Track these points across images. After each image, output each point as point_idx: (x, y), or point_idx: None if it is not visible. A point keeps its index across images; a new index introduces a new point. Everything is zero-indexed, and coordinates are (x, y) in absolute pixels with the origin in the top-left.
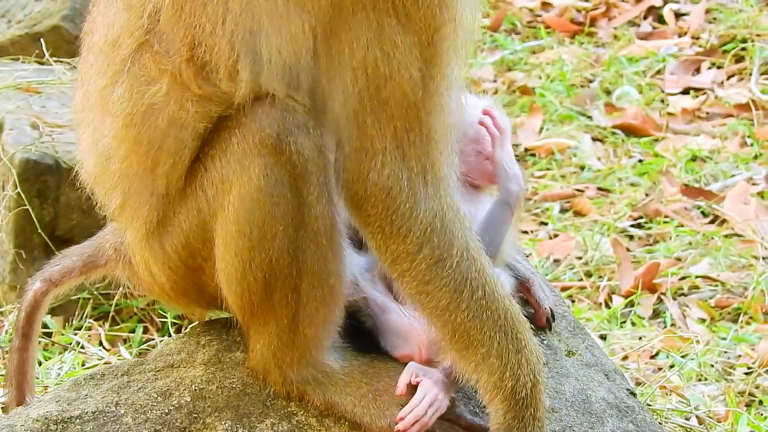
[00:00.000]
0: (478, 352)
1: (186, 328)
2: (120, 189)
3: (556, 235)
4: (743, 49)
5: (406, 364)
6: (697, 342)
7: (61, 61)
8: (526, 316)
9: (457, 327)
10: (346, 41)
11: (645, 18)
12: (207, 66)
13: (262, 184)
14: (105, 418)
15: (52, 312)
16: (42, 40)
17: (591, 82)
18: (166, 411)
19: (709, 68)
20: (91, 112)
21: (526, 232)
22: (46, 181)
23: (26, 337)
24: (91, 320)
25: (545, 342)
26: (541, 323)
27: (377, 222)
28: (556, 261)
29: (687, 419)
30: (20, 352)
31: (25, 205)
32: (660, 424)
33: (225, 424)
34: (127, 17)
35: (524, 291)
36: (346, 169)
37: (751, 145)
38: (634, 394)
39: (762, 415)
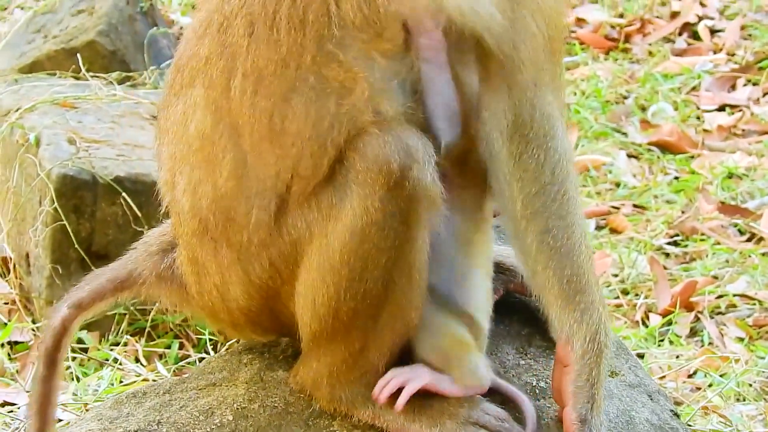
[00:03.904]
0: (587, 300)
1: (223, 345)
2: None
3: None
4: None
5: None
6: (736, 361)
7: (98, 76)
8: None
9: (574, 270)
10: None
11: (680, 34)
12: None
13: (377, 217)
14: None
15: (88, 327)
16: (78, 55)
17: (626, 98)
18: (208, 430)
19: (745, 85)
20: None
21: None
22: (83, 197)
23: (52, 364)
24: (127, 336)
25: None
26: None
27: (534, 149)
28: None
29: None
30: (44, 382)
31: (62, 221)
32: None
33: None
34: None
35: None
36: (512, 96)
37: None
38: (677, 416)
39: None
